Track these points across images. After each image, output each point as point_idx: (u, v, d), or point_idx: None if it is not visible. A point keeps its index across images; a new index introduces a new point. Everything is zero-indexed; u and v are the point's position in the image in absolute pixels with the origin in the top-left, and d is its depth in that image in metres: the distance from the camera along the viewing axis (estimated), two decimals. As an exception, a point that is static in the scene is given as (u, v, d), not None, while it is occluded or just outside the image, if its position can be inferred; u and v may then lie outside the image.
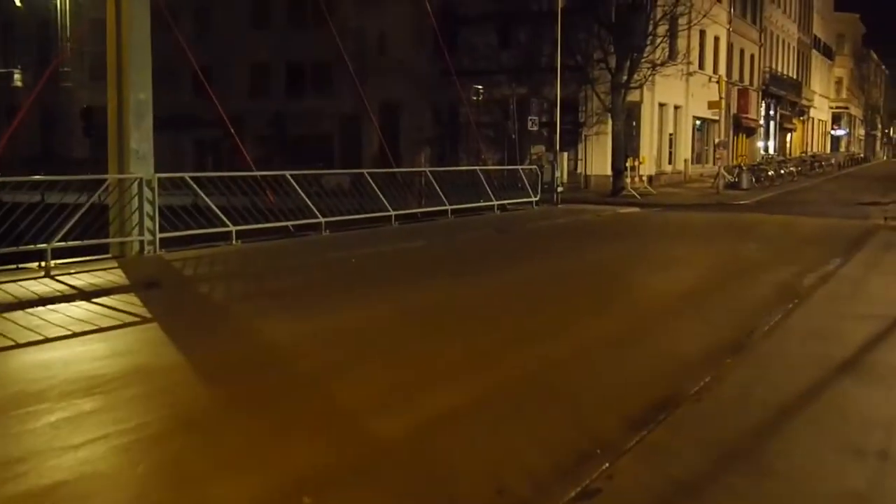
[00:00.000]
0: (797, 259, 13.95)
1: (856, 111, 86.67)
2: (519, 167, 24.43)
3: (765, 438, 5.14)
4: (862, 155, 79.04)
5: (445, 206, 20.34)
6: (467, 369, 6.95)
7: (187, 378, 6.71)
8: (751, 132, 50.73)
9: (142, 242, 12.68)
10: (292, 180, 15.72)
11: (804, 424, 5.43)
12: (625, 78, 30.48)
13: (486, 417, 5.75)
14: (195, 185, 13.61)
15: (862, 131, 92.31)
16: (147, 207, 12.66)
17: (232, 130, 16.31)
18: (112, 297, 9.70)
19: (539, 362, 7.18)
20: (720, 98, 32.63)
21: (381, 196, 18.32)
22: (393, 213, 18.45)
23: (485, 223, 20.00)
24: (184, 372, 6.87)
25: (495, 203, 22.13)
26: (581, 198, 29.31)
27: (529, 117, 31.76)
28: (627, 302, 10.53)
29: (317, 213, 16.01)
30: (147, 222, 12.69)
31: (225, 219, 13.96)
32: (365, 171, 18.74)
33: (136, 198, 12.63)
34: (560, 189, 25.23)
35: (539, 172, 24.84)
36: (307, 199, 15.86)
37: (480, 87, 31.23)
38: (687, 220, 22.45)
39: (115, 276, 10.96)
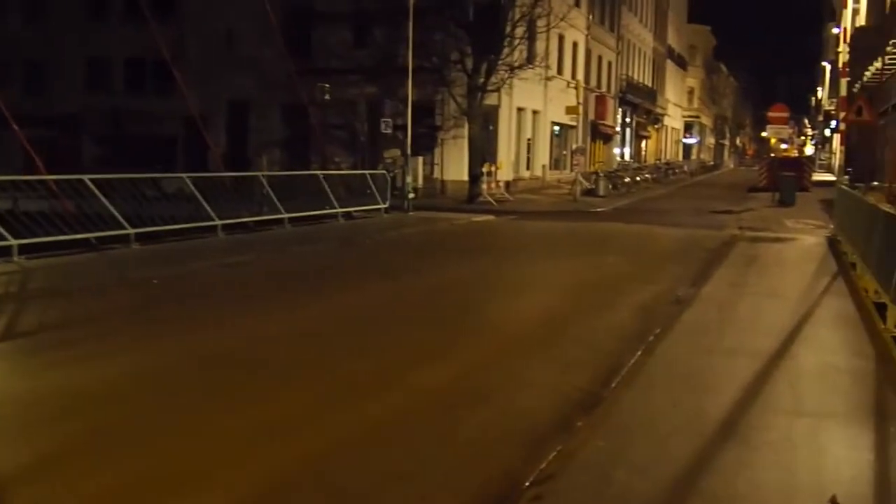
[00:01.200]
0: (657, 276, 12.85)
1: (706, 120, 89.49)
2: (367, 172, 22.69)
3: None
4: (712, 163, 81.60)
5: (282, 214, 18.46)
6: (250, 450, 5.15)
7: None
8: (608, 139, 50.83)
9: None
10: (91, 184, 13.46)
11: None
12: (481, 80, 29.31)
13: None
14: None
15: (712, 140, 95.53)
16: None
17: (16, 128, 13.86)
18: None
19: (346, 435, 5.46)
20: (578, 103, 31.95)
21: (204, 203, 16.31)
22: (219, 222, 16.44)
23: (326, 233, 18.21)
24: None
25: (339, 211, 20.35)
26: (436, 204, 27.94)
27: (382, 119, 30.19)
28: (470, 339, 8.88)
29: (123, 222, 13.80)
30: None
31: (2, 230, 11.66)
32: (185, 175, 16.61)
33: None
34: (412, 195, 23.67)
35: (389, 178, 23.23)
36: (110, 207, 13.61)
37: (327, 85, 29.41)
38: (543, 229, 21.31)
39: None
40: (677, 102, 76.38)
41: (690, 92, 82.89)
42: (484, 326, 9.43)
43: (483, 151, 31.96)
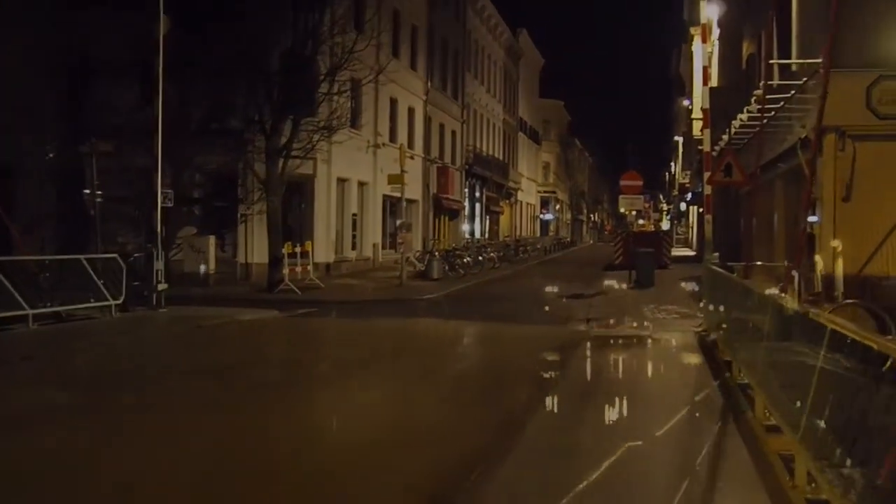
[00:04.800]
0: (437, 440, 7.52)
1: (563, 195, 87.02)
2: (83, 257, 16.57)
3: None
4: (569, 239, 78.68)
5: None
6: None
7: None
8: (454, 214, 46.36)
9: None
10: None
11: None
12: (283, 141, 24.00)
13: None
14: None
15: (569, 215, 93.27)
16: None
17: None
18: None
19: None
20: (402, 171, 27.02)
21: None
22: None
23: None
24: None
25: (30, 312, 14.26)
26: (222, 294, 22.24)
27: (163, 191, 24.34)
28: None
29: None
30: None
31: None
32: None
33: None
34: (162, 287, 17.71)
35: (131, 264, 17.37)
36: None
37: (49, 144, 23.73)
38: (329, 332, 15.82)
39: None
40: (532, 177, 73.35)
41: (546, 166, 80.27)
42: None
43: (296, 229, 26.62)
